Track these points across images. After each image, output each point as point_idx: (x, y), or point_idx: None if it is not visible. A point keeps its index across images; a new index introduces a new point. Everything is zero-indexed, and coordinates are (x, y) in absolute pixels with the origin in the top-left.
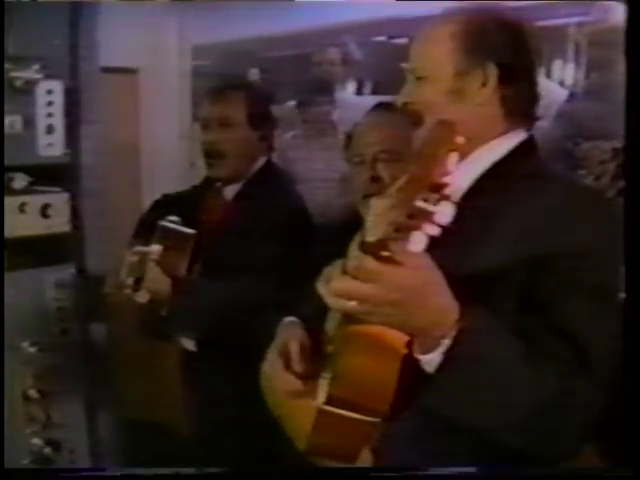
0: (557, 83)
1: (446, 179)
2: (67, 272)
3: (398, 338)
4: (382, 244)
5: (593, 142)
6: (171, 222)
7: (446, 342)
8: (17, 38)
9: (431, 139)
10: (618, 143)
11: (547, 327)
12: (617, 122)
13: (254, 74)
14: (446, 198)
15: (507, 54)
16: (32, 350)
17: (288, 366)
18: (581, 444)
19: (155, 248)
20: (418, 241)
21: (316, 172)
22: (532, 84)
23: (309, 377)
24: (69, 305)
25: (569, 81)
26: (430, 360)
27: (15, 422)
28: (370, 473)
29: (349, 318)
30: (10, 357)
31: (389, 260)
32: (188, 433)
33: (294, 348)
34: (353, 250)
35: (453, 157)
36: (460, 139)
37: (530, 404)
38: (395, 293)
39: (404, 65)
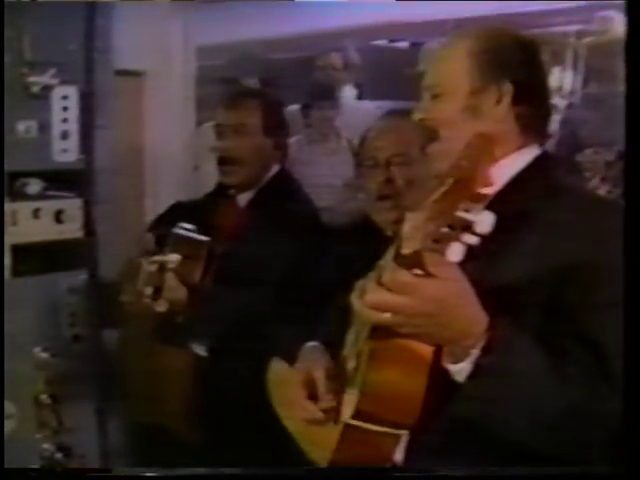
0: (555, 90)
1: (487, 190)
2: (79, 278)
3: (425, 350)
4: (418, 256)
5: (594, 148)
6: (184, 229)
7: (475, 352)
8: (33, 43)
9: (470, 151)
10: (621, 147)
11: (571, 338)
12: (617, 129)
13: (253, 82)
14: (486, 208)
15: (522, 72)
16: (44, 355)
17: (312, 396)
18: (604, 450)
19: (173, 257)
20: (457, 251)
21: (319, 177)
22: (545, 101)
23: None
24: (81, 311)
25: (567, 88)
26: (460, 369)
27: (26, 427)
28: (384, 474)
29: (375, 333)
30: (22, 362)
31: (423, 272)
32: (197, 438)
33: (320, 376)
34: (387, 261)
35: (493, 169)
36: (498, 151)
37: (556, 412)
38: (429, 305)
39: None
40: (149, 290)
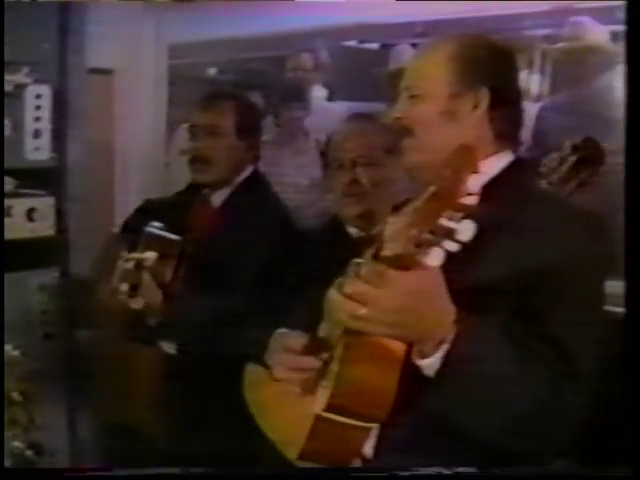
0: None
1: (469, 199)
2: (51, 276)
3: (397, 346)
4: (398, 258)
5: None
6: (157, 228)
7: (444, 346)
8: (7, 42)
9: (453, 162)
10: (577, 141)
11: (537, 336)
12: (580, 135)
13: (212, 72)
14: (468, 217)
15: (499, 79)
16: (15, 353)
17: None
18: (565, 445)
19: (150, 255)
20: (437, 256)
21: (287, 177)
22: (519, 107)
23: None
24: (52, 309)
25: (535, 93)
26: (430, 364)
27: None
28: (351, 473)
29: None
30: None
31: (400, 267)
32: (166, 437)
33: (292, 334)
34: (366, 259)
35: (474, 179)
36: (480, 163)
37: (523, 406)
38: (405, 297)
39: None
40: (125, 287)
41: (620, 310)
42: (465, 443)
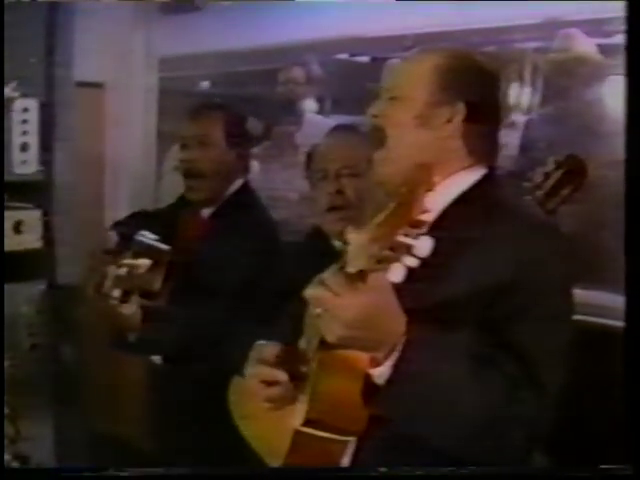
0: (513, 107)
1: (424, 216)
2: (37, 288)
3: (361, 358)
4: (362, 275)
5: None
6: (146, 237)
7: (394, 355)
8: None
9: (410, 180)
10: (561, 157)
11: (496, 345)
12: (567, 145)
13: (205, 86)
14: (425, 233)
15: (478, 96)
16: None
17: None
18: (528, 454)
19: (143, 262)
20: (397, 272)
21: (276, 190)
22: (496, 126)
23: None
24: (39, 320)
25: (525, 106)
26: (381, 372)
27: None
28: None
29: (324, 343)
30: None
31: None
32: (152, 446)
33: (268, 346)
34: (332, 271)
35: (430, 196)
36: (436, 180)
37: (476, 416)
38: (361, 308)
39: (376, 84)
40: (117, 292)
41: (594, 320)
42: (423, 453)
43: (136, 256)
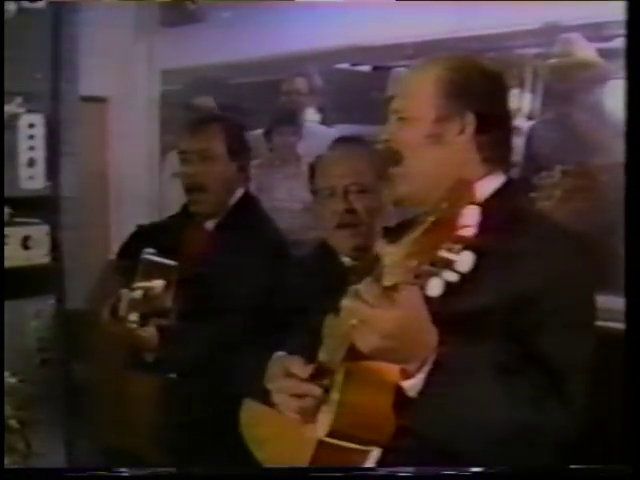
0: (517, 113)
1: (466, 231)
2: (47, 303)
3: (392, 370)
4: (397, 288)
5: (548, 171)
6: (152, 254)
7: (427, 367)
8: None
9: (451, 194)
10: (567, 166)
11: (522, 355)
12: (569, 150)
13: (207, 101)
14: (467, 248)
15: (485, 103)
16: (12, 380)
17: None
18: (555, 463)
19: (157, 283)
20: (436, 286)
21: (279, 201)
22: (507, 129)
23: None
24: (49, 336)
25: (526, 111)
26: (413, 385)
27: None
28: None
29: (350, 354)
30: None
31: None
32: (164, 462)
33: (295, 360)
34: (366, 283)
35: (472, 211)
36: (478, 194)
37: (506, 427)
38: (397, 320)
39: (378, 94)
40: (135, 316)
41: (615, 325)
42: (457, 466)
43: (145, 275)
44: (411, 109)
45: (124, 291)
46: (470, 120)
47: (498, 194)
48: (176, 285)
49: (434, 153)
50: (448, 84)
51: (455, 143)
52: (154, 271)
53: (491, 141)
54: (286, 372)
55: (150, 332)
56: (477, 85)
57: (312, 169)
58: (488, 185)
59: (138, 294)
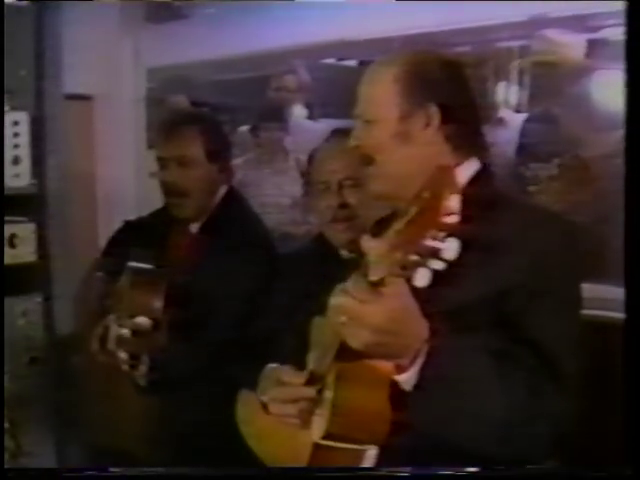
0: (501, 105)
1: (450, 218)
2: (34, 301)
3: (384, 366)
4: (384, 282)
5: (540, 163)
6: (138, 258)
7: (420, 360)
8: None
9: (432, 183)
10: (563, 160)
11: (515, 340)
12: (561, 143)
13: (181, 100)
14: (452, 235)
15: (447, 93)
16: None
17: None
18: (551, 449)
19: (144, 321)
20: (424, 277)
21: (267, 197)
22: (475, 117)
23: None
24: (37, 334)
25: (513, 103)
26: (408, 379)
27: None
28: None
29: (341, 355)
30: None
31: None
32: (156, 460)
33: (286, 369)
34: (355, 279)
35: (455, 198)
36: (460, 181)
37: (504, 412)
38: (387, 314)
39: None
40: (124, 355)
41: (603, 313)
42: (457, 458)
43: (132, 285)
44: (374, 111)
45: (112, 323)
46: (434, 112)
47: (475, 180)
48: (165, 294)
49: (404, 151)
50: (406, 81)
51: (423, 137)
52: (142, 279)
53: (459, 130)
54: (278, 382)
55: (143, 371)
56: (436, 77)
57: (309, 164)
58: (463, 173)
59: (126, 333)
